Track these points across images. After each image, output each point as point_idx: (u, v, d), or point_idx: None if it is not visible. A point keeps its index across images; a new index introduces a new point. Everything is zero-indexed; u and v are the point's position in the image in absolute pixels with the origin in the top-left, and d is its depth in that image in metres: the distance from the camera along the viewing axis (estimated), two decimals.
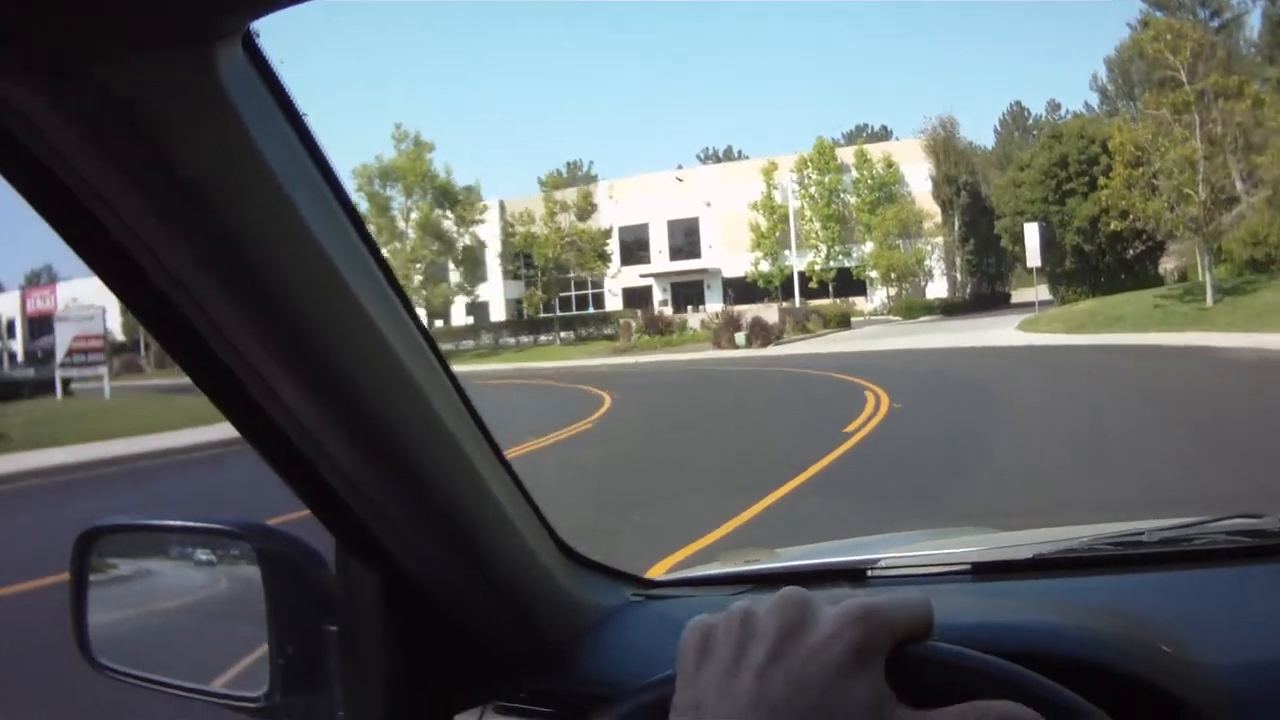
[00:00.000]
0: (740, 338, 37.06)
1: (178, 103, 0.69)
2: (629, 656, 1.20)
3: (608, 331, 47.32)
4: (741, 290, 52.65)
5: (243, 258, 0.78)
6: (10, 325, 69.94)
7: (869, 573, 1.30)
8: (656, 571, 1.71)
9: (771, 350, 35.04)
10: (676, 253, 57.64)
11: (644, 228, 58.44)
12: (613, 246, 55.89)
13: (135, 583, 1.33)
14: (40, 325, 63.49)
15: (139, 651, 1.25)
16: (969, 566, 1.27)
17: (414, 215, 50.23)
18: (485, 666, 1.17)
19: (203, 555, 1.28)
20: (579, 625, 1.23)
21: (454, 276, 52.29)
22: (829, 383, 20.04)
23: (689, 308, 50.21)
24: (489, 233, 52.63)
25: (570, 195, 52.92)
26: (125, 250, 0.78)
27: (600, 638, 1.24)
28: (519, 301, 55.47)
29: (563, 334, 50.49)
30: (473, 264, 52.74)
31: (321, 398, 0.89)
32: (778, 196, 52.67)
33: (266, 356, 0.85)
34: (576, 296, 57.42)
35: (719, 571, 1.56)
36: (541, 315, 52.71)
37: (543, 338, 50.50)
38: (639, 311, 48.66)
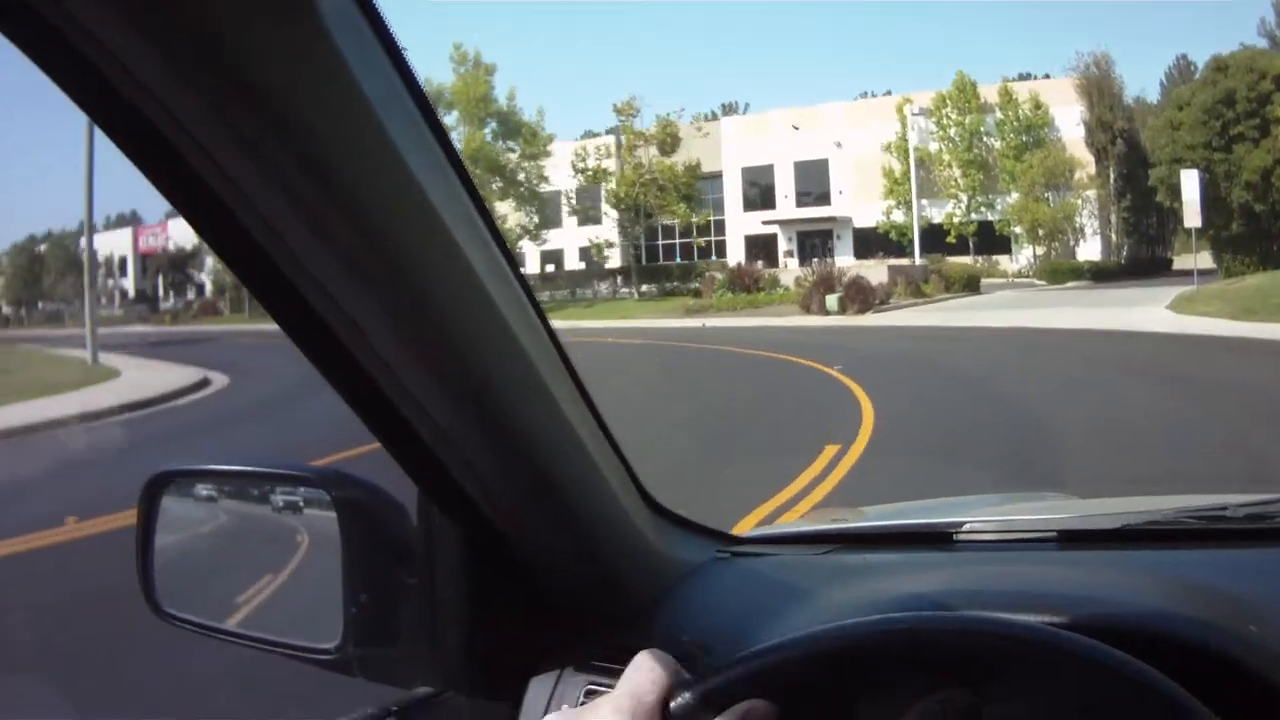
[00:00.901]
0: (832, 301, 31.93)
1: (271, 31, 0.69)
2: (713, 615, 1.20)
3: (696, 285, 42.58)
4: (873, 242, 48.37)
5: (335, 196, 0.78)
6: (122, 262, 69.91)
7: (955, 536, 1.31)
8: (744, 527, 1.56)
9: (868, 319, 30.14)
10: (804, 198, 52.58)
11: (768, 170, 52.95)
12: (733, 188, 52.17)
13: (203, 529, 1.33)
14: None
15: (206, 600, 1.25)
16: (1055, 534, 1.27)
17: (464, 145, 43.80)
18: (566, 623, 1.18)
19: (275, 502, 1.27)
20: (663, 581, 1.23)
21: (516, 217, 47.72)
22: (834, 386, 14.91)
23: (814, 260, 44.34)
24: (559, 172, 48.37)
25: (650, 126, 48.50)
26: (213, 190, 0.78)
27: (685, 595, 1.24)
28: (589, 250, 51.93)
29: (646, 286, 46.00)
30: (541, 205, 48.15)
31: (413, 343, 0.90)
32: (913, 138, 47.62)
33: (357, 298, 0.86)
34: (681, 244, 53.03)
35: (805, 529, 1.56)
36: (623, 265, 49.40)
37: (624, 290, 46.10)
38: (742, 263, 45.05)
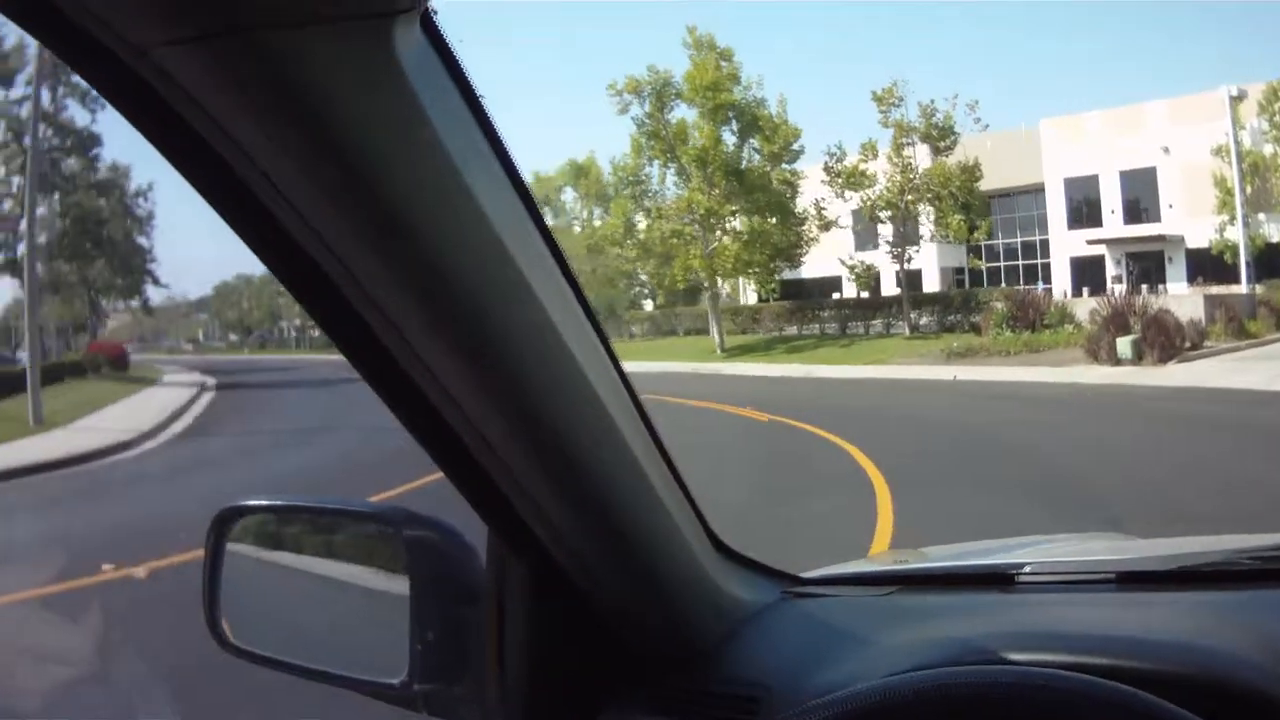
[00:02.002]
0: (1125, 345, 24.00)
1: (352, 78, 0.74)
2: (776, 657, 1.25)
3: (978, 319, 34.56)
4: (1208, 264, 39.41)
5: (411, 240, 0.83)
6: None
7: (1017, 578, 1.36)
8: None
9: (1167, 372, 21.98)
10: (1132, 214, 43.15)
11: (1092, 181, 43.67)
12: (1055, 202, 43.80)
13: (270, 564, 1.38)
14: None
15: (272, 633, 1.32)
16: (1113, 575, 1.32)
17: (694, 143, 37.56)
18: (630, 664, 1.23)
19: (341, 538, 1.34)
20: (729, 622, 1.29)
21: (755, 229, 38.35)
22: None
23: (1144, 287, 35.96)
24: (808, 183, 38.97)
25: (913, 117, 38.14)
26: (285, 228, 0.83)
27: (749, 636, 1.29)
28: (957, 271, 43.73)
29: (927, 319, 37.63)
30: (786, 217, 38.83)
31: (485, 385, 0.96)
32: (1246, 139, 38.37)
33: (432, 343, 0.91)
34: (1006, 267, 45.86)
35: (867, 570, 1.60)
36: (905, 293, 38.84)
37: (897, 325, 37.78)
38: (1034, 290, 36.44)
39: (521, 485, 1.05)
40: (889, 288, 37.99)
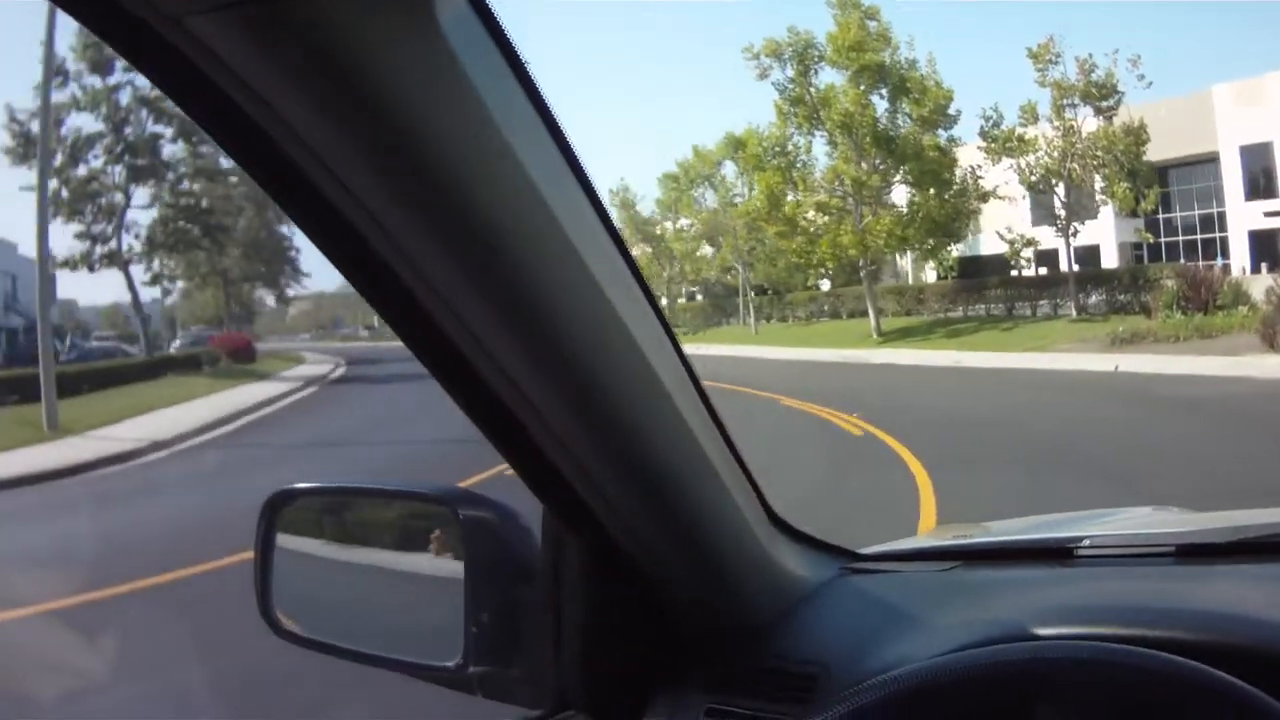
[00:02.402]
0: None
1: (391, 46, 0.74)
2: (835, 634, 1.27)
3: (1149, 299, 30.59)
4: None
5: (461, 214, 0.84)
6: None
7: (1076, 551, 1.38)
8: None
9: None
10: None
11: (1269, 148, 39.55)
12: (1231, 173, 39.75)
13: (322, 548, 1.40)
14: None
15: (324, 618, 1.33)
16: (1173, 548, 1.33)
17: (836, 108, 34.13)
18: (687, 642, 1.25)
19: (395, 520, 1.36)
20: (786, 599, 1.31)
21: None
22: None
23: None
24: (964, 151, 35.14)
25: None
26: (333, 204, 0.83)
27: (807, 613, 1.31)
28: (1135, 247, 39.44)
29: (1095, 298, 33.54)
30: (944, 188, 34.64)
31: (542, 362, 0.97)
32: None
33: (486, 320, 0.92)
34: (1185, 242, 41.64)
35: (928, 545, 1.61)
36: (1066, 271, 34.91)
37: (1065, 305, 33.81)
38: (1200, 267, 32.16)
39: (580, 462, 1.07)
40: (1066, 263, 35.33)
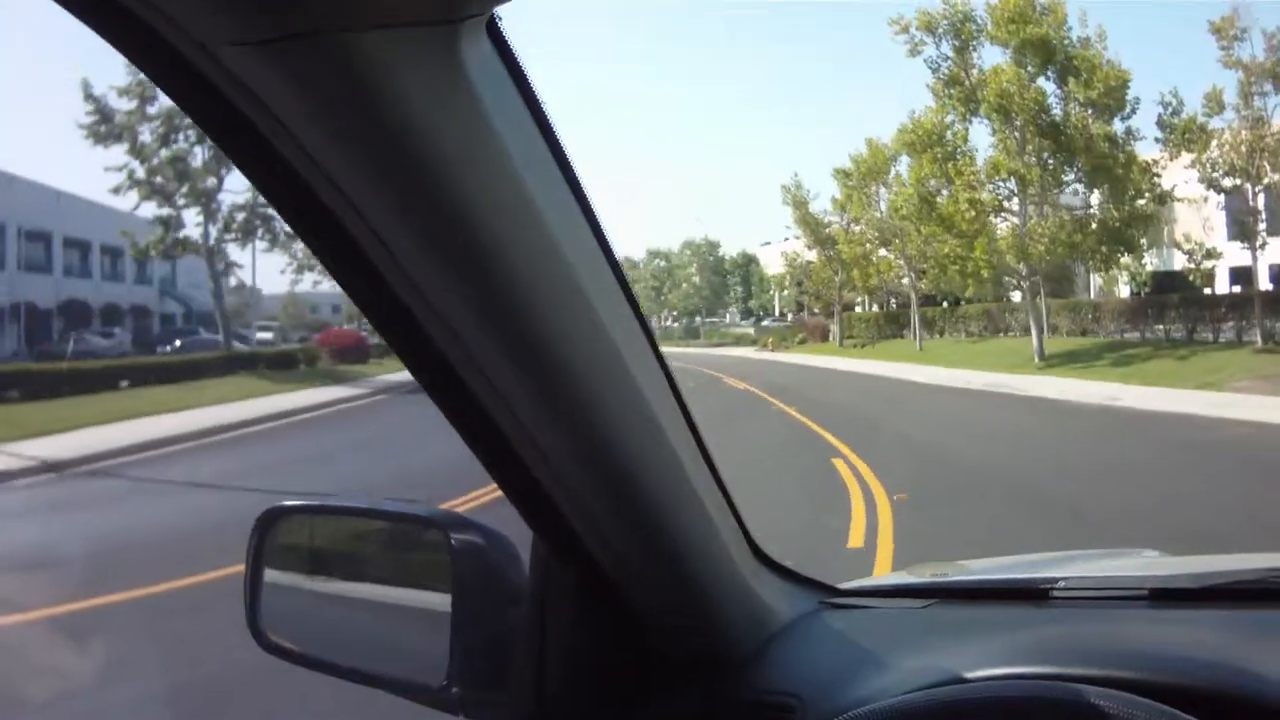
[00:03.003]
0: None
1: (416, 82, 0.77)
2: (811, 667, 1.31)
3: None
4: None
5: (469, 242, 0.88)
6: None
7: (1051, 592, 1.43)
8: None
9: None
10: None
11: None
12: None
13: (312, 566, 1.45)
14: None
15: (312, 634, 1.38)
16: (1146, 592, 1.39)
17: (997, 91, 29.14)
18: (670, 670, 1.30)
19: (386, 540, 1.41)
20: (765, 631, 1.36)
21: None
22: None
23: None
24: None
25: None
26: (344, 227, 0.88)
27: (785, 646, 1.36)
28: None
29: None
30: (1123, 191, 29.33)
31: (537, 390, 1.01)
32: None
33: (486, 346, 0.97)
34: None
35: (904, 582, 1.66)
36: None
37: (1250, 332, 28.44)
38: None
39: (571, 491, 1.12)
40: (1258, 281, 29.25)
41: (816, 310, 54.13)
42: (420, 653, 1.24)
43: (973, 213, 29.45)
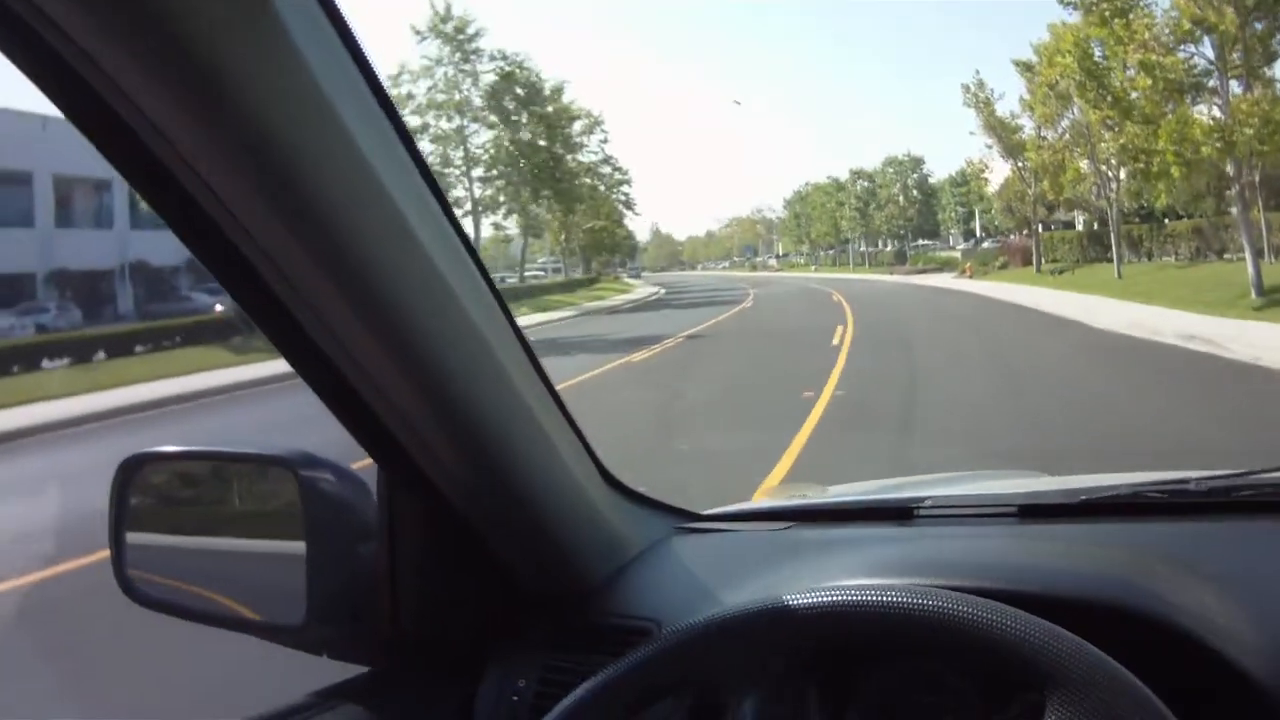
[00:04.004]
0: None
1: (226, 20, 0.80)
2: (669, 591, 1.33)
3: None
4: None
5: (300, 191, 0.92)
6: None
7: (916, 511, 1.44)
8: None
9: None
10: None
11: None
12: None
13: (176, 513, 1.49)
14: None
15: (178, 582, 1.42)
16: (1015, 509, 1.39)
17: None
18: (525, 600, 1.34)
19: (245, 484, 1.44)
20: (622, 558, 1.38)
21: None
22: None
23: None
24: None
25: None
26: (182, 184, 0.92)
27: (642, 571, 1.38)
28: None
29: None
30: None
31: (369, 324, 1.04)
32: None
33: (316, 284, 1.00)
34: None
35: (766, 506, 1.66)
36: None
37: None
38: None
39: (408, 422, 1.15)
40: None
41: (1026, 231, 46.90)
42: (282, 594, 1.26)
43: (1149, 81, 21.23)
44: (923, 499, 1.45)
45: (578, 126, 59.15)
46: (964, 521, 1.41)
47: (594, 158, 62.98)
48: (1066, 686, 0.85)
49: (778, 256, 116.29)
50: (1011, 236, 52.95)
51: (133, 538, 1.39)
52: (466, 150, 50.59)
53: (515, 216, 54.42)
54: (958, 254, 64.45)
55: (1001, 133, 40.67)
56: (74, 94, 0.84)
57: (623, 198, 72.68)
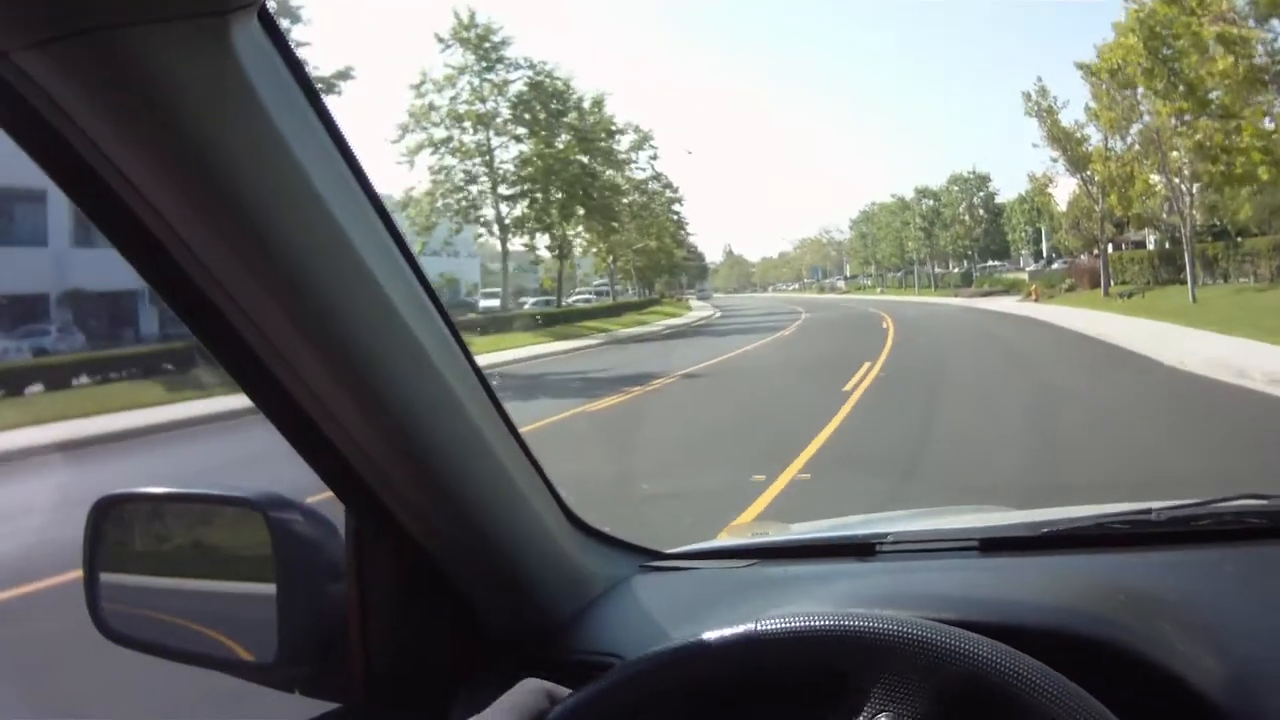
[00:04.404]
0: None
1: (192, 74, 0.83)
2: (633, 628, 1.34)
3: None
4: None
5: (255, 228, 0.94)
6: None
7: (878, 547, 1.44)
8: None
9: None
10: None
11: None
12: None
13: (149, 553, 1.53)
14: None
15: (152, 621, 1.45)
16: (977, 543, 1.39)
17: None
18: (492, 637, 1.35)
19: (217, 525, 1.48)
20: (586, 596, 1.40)
21: None
22: None
23: None
24: None
25: None
26: (141, 221, 0.94)
27: (606, 609, 1.40)
28: None
29: None
30: None
31: (333, 366, 1.06)
32: None
33: (280, 327, 1.02)
34: None
35: (728, 544, 1.63)
36: None
37: None
38: None
39: (375, 466, 1.17)
40: None
41: (1095, 251, 43.86)
42: (254, 633, 1.30)
43: (1229, 61, 17.95)
44: (885, 535, 1.45)
45: (625, 143, 57.26)
46: (926, 556, 1.39)
47: (643, 174, 61.29)
48: (1027, 709, 0.86)
49: (846, 278, 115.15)
50: (1080, 257, 50.43)
51: (106, 578, 1.43)
52: (492, 164, 49.03)
53: (546, 235, 50.78)
54: (1025, 275, 63.23)
55: (1066, 144, 38.02)
56: (69, 166, 0.87)
57: (674, 216, 70.43)
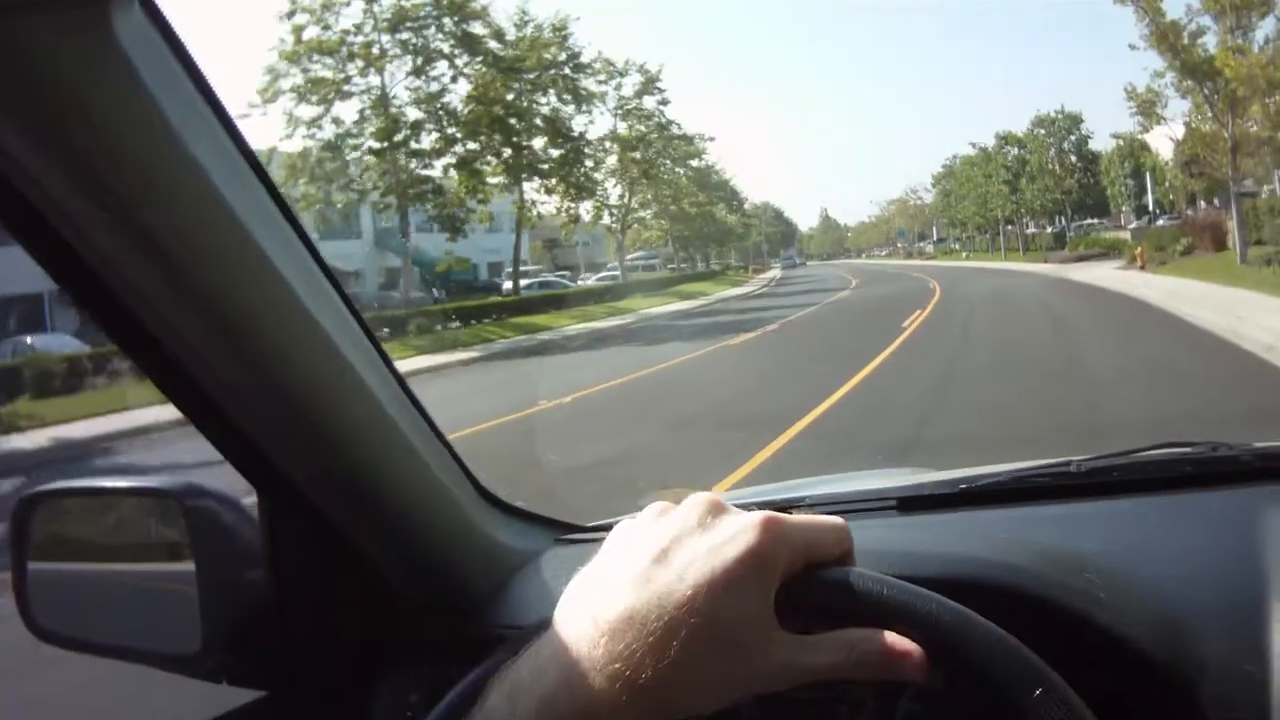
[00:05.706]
0: None
1: (74, 61, 0.83)
2: (552, 599, 1.30)
3: None
4: None
5: (144, 214, 0.93)
6: None
7: (793, 510, 1.41)
8: None
9: None
10: None
11: None
12: None
13: (75, 547, 1.56)
14: None
15: (80, 616, 1.50)
16: (895, 502, 1.43)
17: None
18: (412, 616, 1.40)
19: (138, 516, 1.50)
20: (502, 571, 1.45)
21: None
22: None
23: None
24: None
25: None
26: (34, 207, 0.96)
27: (522, 583, 1.45)
28: None
29: None
30: None
31: (231, 347, 1.08)
32: None
33: (176, 310, 1.04)
34: None
35: None
36: None
37: None
38: None
39: (277, 444, 1.23)
40: None
41: (1217, 199, 32.68)
42: (178, 624, 1.33)
43: None
44: (802, 498, 1.51)
45: (629, 88, 48.93)
46: (844, 516, 1.33)
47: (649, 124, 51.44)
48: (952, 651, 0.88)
49: (934, 242, 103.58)
50: (1194, 208, 38.97)
51: (34, 577, 1.48)
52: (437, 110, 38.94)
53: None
54: (1127, 235, 53.44)
55: (1176, 44, 27.28)
56: None
57: (709, 174, 60.19)
